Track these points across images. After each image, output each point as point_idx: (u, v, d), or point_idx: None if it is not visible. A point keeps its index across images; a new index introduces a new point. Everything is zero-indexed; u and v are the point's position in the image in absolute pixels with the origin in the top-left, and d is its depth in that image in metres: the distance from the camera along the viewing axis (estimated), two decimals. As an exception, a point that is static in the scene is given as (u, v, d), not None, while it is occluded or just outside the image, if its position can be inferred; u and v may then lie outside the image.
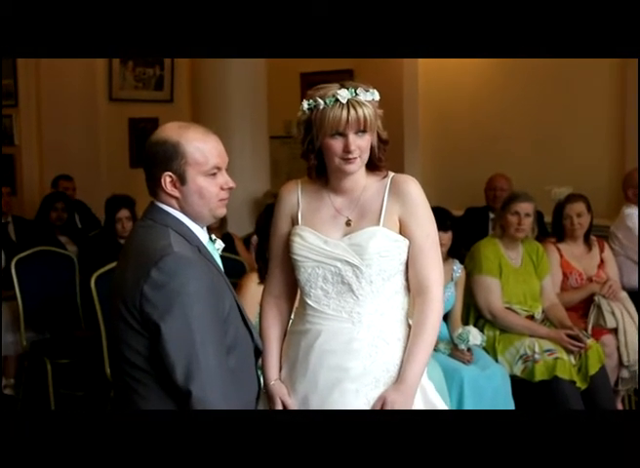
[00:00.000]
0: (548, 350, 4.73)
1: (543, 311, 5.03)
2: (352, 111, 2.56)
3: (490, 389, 4.48)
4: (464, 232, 5.79)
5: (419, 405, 2.71)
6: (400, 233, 2.68)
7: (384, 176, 2.72)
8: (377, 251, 2.63)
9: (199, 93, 7.33)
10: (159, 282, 2.30)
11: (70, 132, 8.63)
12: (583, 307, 5.15)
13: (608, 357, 4.94)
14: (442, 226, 4.62)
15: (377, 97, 2.62)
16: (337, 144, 2.60)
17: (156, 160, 2.40)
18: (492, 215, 6.43)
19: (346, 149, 2.58)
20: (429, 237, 2.69)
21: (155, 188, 2.44)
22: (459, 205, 6.62)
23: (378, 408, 2.60)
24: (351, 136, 2.58)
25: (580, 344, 4.74)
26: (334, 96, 2.57)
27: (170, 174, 2.39)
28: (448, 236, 4.69)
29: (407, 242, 2.68)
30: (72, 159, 8.44)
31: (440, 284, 2.73)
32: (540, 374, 4.65)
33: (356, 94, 2.58)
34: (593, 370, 4.77)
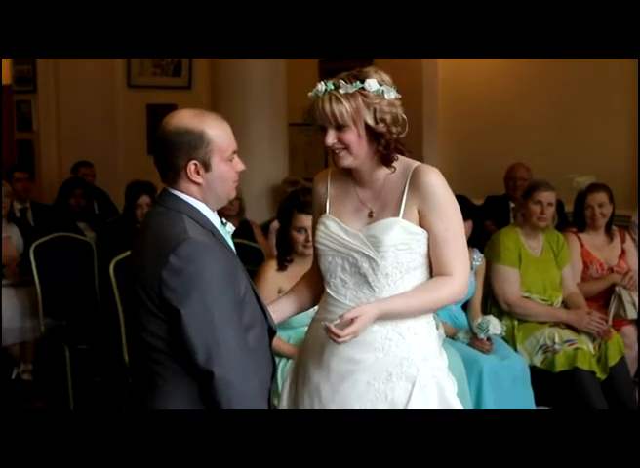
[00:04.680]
0: (569, 340, 4.71)
1: (563, 301, 5.00)
2: (325, 106, 2.56)
3: (509, 379, 4.46)
4: (485, 221, 5.77)
5: (434, 403, 2.67)
6: (420, 225, 2.64)
7: (406, 167, 2.67)
8: (392, 243, 2.61)
9: (217, 79, 7.31)
10: (177, 267, 2.33)
11: (89, 118, 8.64)
12: (604, 298, 5.12)
13: (628, 348, 4.92)
14: (462, 215, 4.60)
15: (371, 86, 2.56)
16: (323, 137, 2.62)
17: (180, 149, 2.42)
18: (512, 204, 6.39)
19: (326, 143, 2.60)
20: (449, 231, 2.64)
21: (175, 177, 2.47)
22: (478, 193, 6.57)
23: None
24: (330, 131, 2.59)
25: (601, 325, 4.73)
26: (315, 90, 2.60)
27: (195, 161, 2.43)
28: (468, 225, 4.66)
29: (426, 234, 2.64)
30: (90, 145, 8.45)
31: (464, 274, 2.68)
32: (560, 365, 4.64)
33: (335, 86, 2.57)
34: (613, 360, 4.75)
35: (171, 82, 9.13)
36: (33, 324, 5.82)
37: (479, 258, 4.79)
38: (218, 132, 2.46)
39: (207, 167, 2.45)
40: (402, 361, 2.65)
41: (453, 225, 2.66)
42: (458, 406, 2.73)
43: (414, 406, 2.63)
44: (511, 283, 4.89)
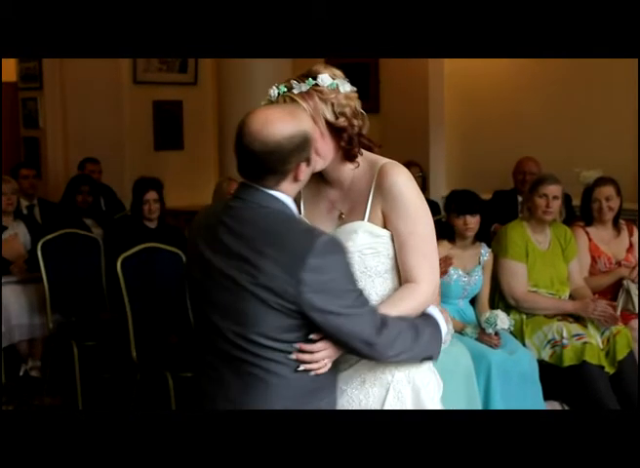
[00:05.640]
0: (577, 335, 4.69)
1: (570, 295, 4.99)
2: None
3: (517, 374, 4.45)
4: (493, 216, 5.76)
5: (407, 406, 2.59)
6: (385, 227, 2.55)
7: (373, 165, 2.57)
8: (357, 249, 2.53)
9: (223, 75, 7.31)
10: (316, 267, 2.30)
11: (95, 114, 8.64)
12: (612, 291, 5.10)
13: (636, 341, 4.90)
14: (470, 210, 4.62)
15: (324, 81, 2.48)
16: None
17: (290, 155, 2.35)
18: (520, 199, 6.38)
19: None
20: (414, 234, 2.52)
21: (280, 180, 2.40)
22: (487, 188, 6.57)
23: None
24: None
25: (607, 311, 4.72)
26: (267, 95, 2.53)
27: (305, 162, 2.40)
28: (476, 220, 4.66)
29: (392, 235, 2.55)
30: (97, 142, 8.45)
31: (430, 281, 2.56)
32: (568, 360, 4.62)
33: (288, 88, 2.50)
34: (621, 354, 4.74)
35: (177, 78, 9.12)
36: (41, 320, 5.84)
37: (486, 253, 4.79)
38: (311, 124, 2.42)
39: (309, 162, 2.42)
40: (375, 367, 2.57)
41: (419, 228, 2.54)
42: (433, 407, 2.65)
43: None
44: (518, 277, 4.88)
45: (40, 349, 6.01)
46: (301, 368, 2.37)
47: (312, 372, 2.39)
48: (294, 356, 2.37)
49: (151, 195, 5.74)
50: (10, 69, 8.84)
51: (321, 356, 2.39)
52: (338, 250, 2.36)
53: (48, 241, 5.78)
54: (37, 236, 5.97)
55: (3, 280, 5.76)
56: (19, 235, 6.19)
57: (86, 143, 8.45)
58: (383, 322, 2.40)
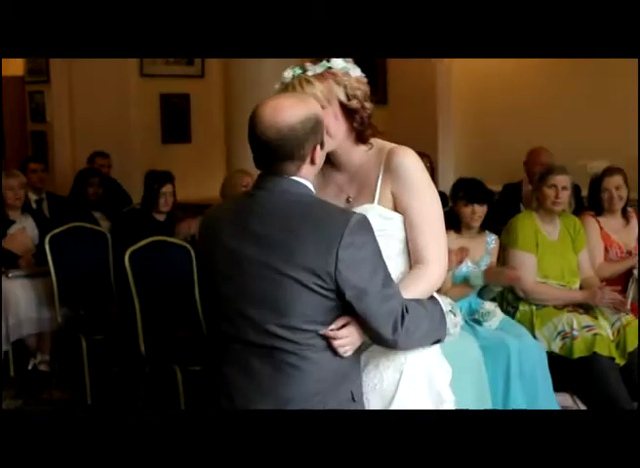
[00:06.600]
0: (587, 326, 4.67)
1: (580, 285, 4.97)
2: (297, 90, 2.54)
3: (530, 362, 4.43)
4: (502, 208, 5.74)
5: (423, 392, 2.63)
6: (395, 209, 2.59)
7: (381, 149, 2.64)
8: None
9: (231, 68, 7.30)
10: (352, 243, 2.34)
11: (102, 108, 8.64)
12: (622, 282, 5.08)
13: (643, 332, 4.88)
14: (476, 199, 4.61)
15: (338, 64, 2.56)
16: None
17: (305, 140, 2.39)
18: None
19: None
20: (423, 213, 2.58)
21: (300, 165, 2.42)
22: (495, 179, 6.54)
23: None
24: None
25: (615, 297, 4.70)
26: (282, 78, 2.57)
27: (319, 144, 2.43)
28: (483, 209, 4.64)
29: (402, 219, 2.60)
30: (104, 135, 8.44)
31: (440, 260, 2.61)
32: (578, 351, 4.60)
33: (303, 70, 2.56)
34: (632, 346, 4.71)
35: (184, 71, 9.11)
36: (50, 314, 5.84)
37: (492, 241, 4.76)
38: (319, 108, 2.46)
39: (322, 144, 2.45)
40: (388, 351, 2.58)
41: (427, 208, 2.60)
42: (448, 395, 2.67)
43: (402, 396, 2.59)
44: (528, 268, 4.84)
45: (49, 343, 6.02)
46: None
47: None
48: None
49: (168, 188, 5.78)
50: (17, 63, 8.85)
51: (343, 343, 2.41)
52: (370, 228, 2.39)
53: (56, 235, 5.78)
54: (45, 230, 5.98)
55: (11, 274, 5.78)
56: (26, 229, 6.20)
57: (93, 137, 8.45)
58: (406, 306, 2.42)
